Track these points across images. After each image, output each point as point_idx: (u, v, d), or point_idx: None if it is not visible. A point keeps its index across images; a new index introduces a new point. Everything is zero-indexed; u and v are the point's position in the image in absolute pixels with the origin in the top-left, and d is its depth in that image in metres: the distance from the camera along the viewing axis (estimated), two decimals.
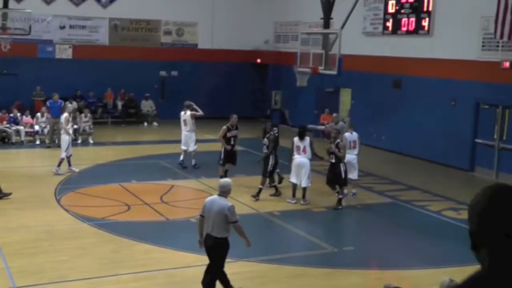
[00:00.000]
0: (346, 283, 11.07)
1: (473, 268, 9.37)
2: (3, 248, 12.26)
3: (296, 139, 16.80)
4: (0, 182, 16.13)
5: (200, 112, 20.91)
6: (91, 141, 25.04)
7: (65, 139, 19.34)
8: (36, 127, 24.86)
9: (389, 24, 25.19)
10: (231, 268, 11.47)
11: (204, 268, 11.58)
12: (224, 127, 17.92)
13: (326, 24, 23.69)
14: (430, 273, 11.24)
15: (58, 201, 16.11)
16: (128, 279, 11.06)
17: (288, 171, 17.00)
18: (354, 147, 17.38)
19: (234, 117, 18.26)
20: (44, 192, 16.86)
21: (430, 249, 13.47)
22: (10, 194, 16.02)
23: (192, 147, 20.59)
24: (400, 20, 24.61)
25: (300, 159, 16.59)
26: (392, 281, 10.18)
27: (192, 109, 20.81)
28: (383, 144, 25.45)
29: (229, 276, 11.24)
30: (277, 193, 17.28)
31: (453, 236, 14.57)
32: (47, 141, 24.00)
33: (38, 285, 10.61)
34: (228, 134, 17.84)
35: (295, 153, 16.75)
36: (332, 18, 23.88)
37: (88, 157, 22.38)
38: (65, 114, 19.63)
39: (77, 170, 19.57)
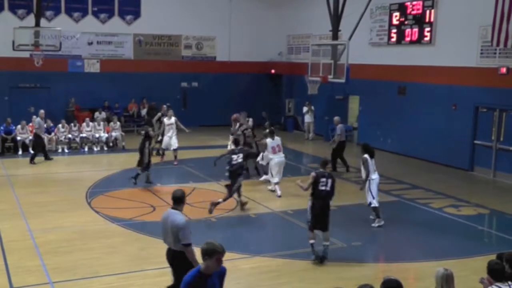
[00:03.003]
0: (355, 275, 11.09)
1: (471, 260, 9.59)
2: (40, 247, 12.48)
3: (269, 140, 17.82)
4: (36, 187, 16.37)
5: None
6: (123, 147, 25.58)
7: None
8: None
9: (394, 34, 25.24)
10: (248, 263, 11.74)
11: (223, 264, 11.83)
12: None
13: (335, 36, 23.78)
14: (432, 265, 11.30)
15: (89, 203, 16.33)
16: (154, 274, 11.17)
17: None
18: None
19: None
20: (76, 196, 17.09)
21: (432, 243, 13.53)
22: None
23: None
24: (404, 31, 24.66)
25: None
26: (397, 273, 10.30)
27: None
28: (389, 146, 25.54)
29: (246, 271, 11.46)
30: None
31: (453, 231, 14.74)
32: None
33: (72, 281, 10.74)
34: None
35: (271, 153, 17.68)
36: (340, 30, 23.96)
37: (117, 163, 22.67)
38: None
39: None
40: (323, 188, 11.64)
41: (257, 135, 21.13)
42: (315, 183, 11.67)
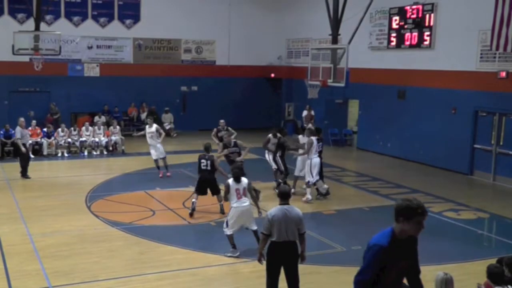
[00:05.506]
0: None
1: (471, 264, 9.60)
2: (39, 251, 12.48)
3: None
4: (36, 191, 16.33)
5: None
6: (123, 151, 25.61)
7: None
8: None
9: (394, 38, 25.23)
10: (247, 267, 11.73)
11: (222, 268, 11.86)
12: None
13: (335, 40, 23.77)
14: (431, 269, 11.25)
15: (89, 207, 16.32)
16: (153, 278, 11.19)
17: None
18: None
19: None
20: (76, 200, 17.08)
21: (432, 247, 13.45)
22: None
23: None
24: (403, 35, 24.67)
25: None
26: None
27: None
28: (389, 151, 25.56)
29: (245, 275, 11.46)
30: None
31: (452, 235, 14.73)
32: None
33: (71, 285, 10.75)
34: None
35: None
36: (340, 34, 23.94)
37: (116, 167, 22.68)
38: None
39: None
40: (204, 167, 15.42)
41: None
42: (199, 161, 15.58)
